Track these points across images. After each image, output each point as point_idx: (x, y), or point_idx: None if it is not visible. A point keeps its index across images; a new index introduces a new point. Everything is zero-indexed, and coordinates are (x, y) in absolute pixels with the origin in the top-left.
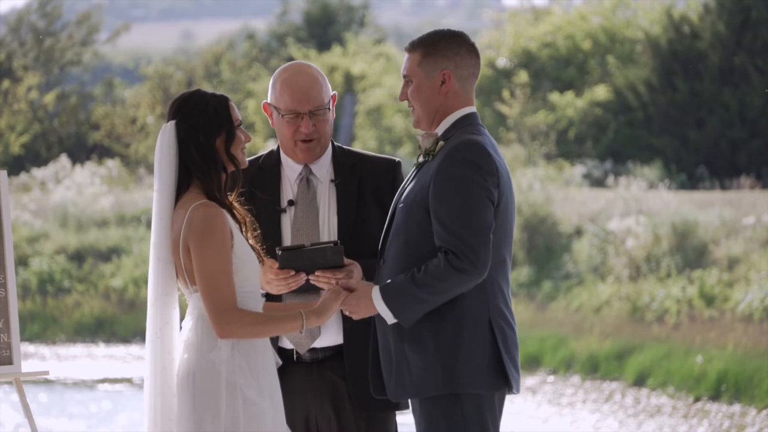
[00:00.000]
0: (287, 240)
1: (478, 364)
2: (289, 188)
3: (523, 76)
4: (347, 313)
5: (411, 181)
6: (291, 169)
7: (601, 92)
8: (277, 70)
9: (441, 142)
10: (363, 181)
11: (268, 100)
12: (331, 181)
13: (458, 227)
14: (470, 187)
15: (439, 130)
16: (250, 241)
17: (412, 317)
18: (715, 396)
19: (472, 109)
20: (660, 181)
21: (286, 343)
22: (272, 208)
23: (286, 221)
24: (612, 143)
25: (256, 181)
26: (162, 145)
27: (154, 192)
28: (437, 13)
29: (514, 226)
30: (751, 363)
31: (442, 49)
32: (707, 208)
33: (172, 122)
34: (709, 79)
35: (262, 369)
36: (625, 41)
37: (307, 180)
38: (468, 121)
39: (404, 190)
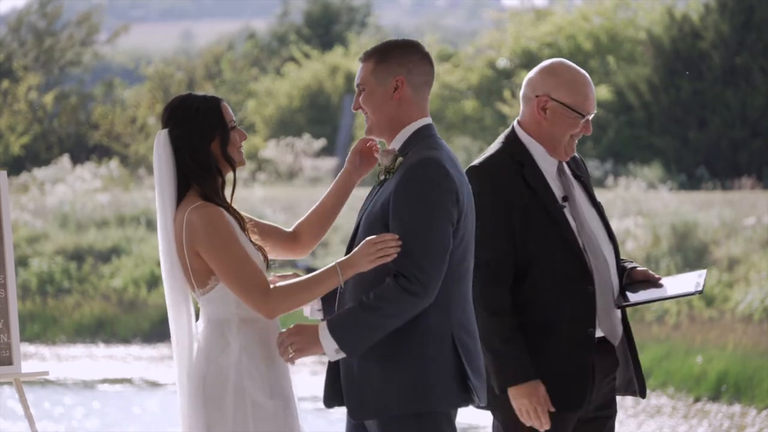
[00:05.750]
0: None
1: (446, 382)
2: (554, 183)
3: (524, 76)
4: (291, 354)
5: (372, 199)
6: (548, 164)
7: (602, 92)
8: (555, 64)
9: (400, 158)
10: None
11: (554, 95)
12: (575, 176)
13: (412, 249)
14: (429, 209)
15: (396, 143)
16: (253, 239)
17: (356, 345)
18: (715, 396)
19: (428, 120)
20: (660, 182)
21: None
22: (551, 203)
23: (569, 216)
24: (613, 143)
25: (525, 175)
26: (159, 153)
27: (157, 199)
28: (437, 13)
29: (474, 233)
30: (751, 363)
31: (396, 56)
32: (707, 209)
33: (165, 130)
34: (711, 79)
35: (271, 370)
36: (626, 41)
37: (565, 174)
38: (425, 133)
39: (365, 209)
